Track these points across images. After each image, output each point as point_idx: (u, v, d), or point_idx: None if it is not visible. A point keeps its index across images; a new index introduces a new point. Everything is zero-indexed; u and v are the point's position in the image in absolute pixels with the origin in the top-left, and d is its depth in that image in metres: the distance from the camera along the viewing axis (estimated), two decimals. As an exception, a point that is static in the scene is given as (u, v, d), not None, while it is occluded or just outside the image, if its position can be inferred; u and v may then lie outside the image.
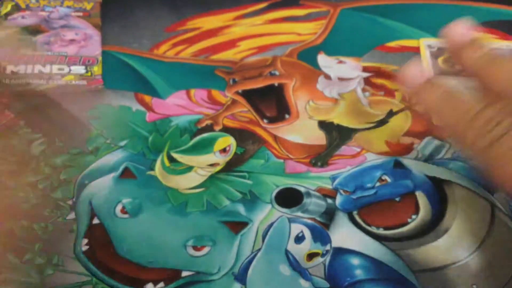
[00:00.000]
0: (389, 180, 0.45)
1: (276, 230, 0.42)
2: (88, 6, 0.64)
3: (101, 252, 0.41)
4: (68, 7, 0.64)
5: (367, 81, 0.55)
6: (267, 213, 0.43)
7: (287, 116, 0.52)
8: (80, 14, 0.62)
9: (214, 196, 0.45)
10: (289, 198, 0.44)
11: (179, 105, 0.54)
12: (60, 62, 0.56)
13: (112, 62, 0.60)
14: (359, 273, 0.39)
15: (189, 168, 0.47)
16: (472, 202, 0.43)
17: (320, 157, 0.48)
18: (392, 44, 0.60)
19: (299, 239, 0.41)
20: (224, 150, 0.48)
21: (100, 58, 0.58)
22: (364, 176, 0.45)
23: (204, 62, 0.60)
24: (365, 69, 0.57)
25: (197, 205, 0.44)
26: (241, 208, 0.44)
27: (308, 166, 0.47)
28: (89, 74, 0.55)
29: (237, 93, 0.54)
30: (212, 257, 0.40)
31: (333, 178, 0.46)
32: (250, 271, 0.39)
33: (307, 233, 0.41)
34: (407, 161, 0.46)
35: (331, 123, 0.51)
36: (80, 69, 0.55)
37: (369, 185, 0.44)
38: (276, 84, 0.55)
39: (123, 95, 0.55)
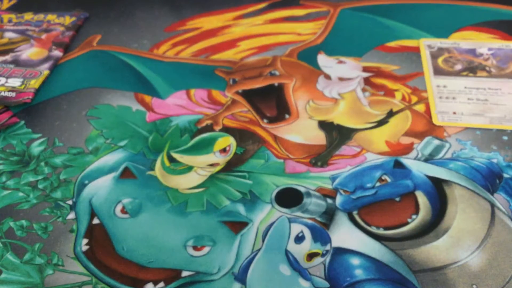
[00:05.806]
0: (389, 180, 0.45)
1: (276, 230, 0.42)
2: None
3: (101, 252, 0.41)
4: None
5: (367, 81, 0.55)
6: (267, 213, 0.43)
7: (287, 116, 0.52)
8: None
9: (214, 196, 0.45)
10: (289, 198, 0.44)
11: (179, 105, 0.54)
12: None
13: (112, 62, 0.60)
14: (359, 273, 0.39)
15: (189, 168, 0.47)
16: (472, 202, 0.43)
17: (320, 157, 0.48)
18: (392, 44, 0.60)
19: (299, 239, 0.41)
20: (224, 150, 0.48)
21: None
22: (364, 176, 0.45)
23: (204, 62, 0.60)
24: (365, 69, 0.57)
25: (197, 205, 0.44)
26: (241, 208, 0.44)
27: (308, 166, 0.47)
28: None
29: (237, 93, 0.54)
30: (212, 257, 0.40)
31: (333, 178, 0.45)
32: (250, 271, 0.39)
33: (307, 233, 0.41)
34: (407, 161, 0.46)
35: (331, 123, 0.51)
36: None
37: (369, 185, 0.44)
38: (276, 84, 0.55)
39: (123, 95, 0.55)
